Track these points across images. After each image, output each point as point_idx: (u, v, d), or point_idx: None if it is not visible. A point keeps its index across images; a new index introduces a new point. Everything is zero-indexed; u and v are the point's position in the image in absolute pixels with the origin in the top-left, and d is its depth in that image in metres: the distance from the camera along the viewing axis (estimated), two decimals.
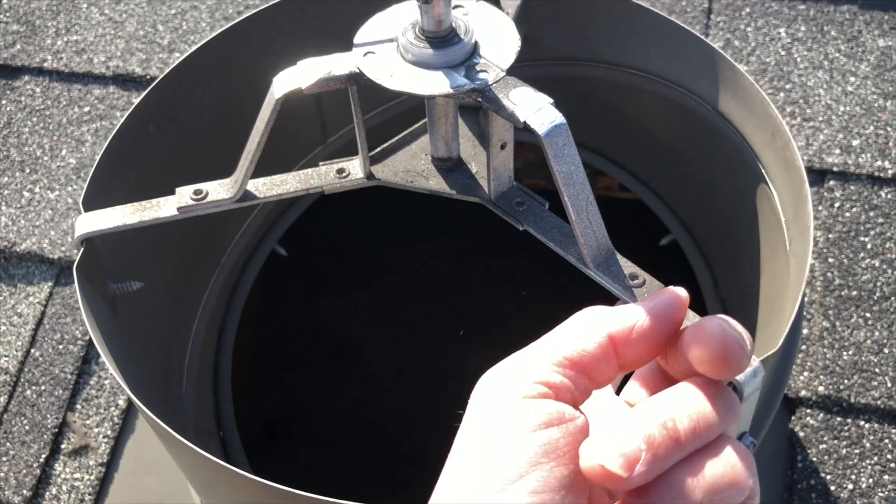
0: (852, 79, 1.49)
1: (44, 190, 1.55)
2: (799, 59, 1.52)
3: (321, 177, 0.93)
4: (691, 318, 0.75)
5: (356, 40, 0.84)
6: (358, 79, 0.82)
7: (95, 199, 0.94)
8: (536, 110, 0.77)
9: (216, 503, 1.02)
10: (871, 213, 1.37)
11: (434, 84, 0.79)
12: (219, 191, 0.91)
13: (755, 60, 1.53)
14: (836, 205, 1.39)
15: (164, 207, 0.91)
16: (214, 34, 1.07)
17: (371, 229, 1.80)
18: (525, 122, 0.77)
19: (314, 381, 1.78)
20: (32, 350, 1.42)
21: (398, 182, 0.93)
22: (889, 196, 1.38)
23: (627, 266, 0.81)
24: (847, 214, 1.38)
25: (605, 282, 0.81)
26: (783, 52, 1.53)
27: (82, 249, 0.90)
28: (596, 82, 1.25)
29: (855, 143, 1.43)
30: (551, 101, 0.78)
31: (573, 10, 1.17)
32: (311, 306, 1.78)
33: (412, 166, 0.94)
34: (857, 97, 1.47)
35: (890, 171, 1.39)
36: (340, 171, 0.94)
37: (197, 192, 0.91)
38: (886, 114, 1.45)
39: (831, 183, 1.40)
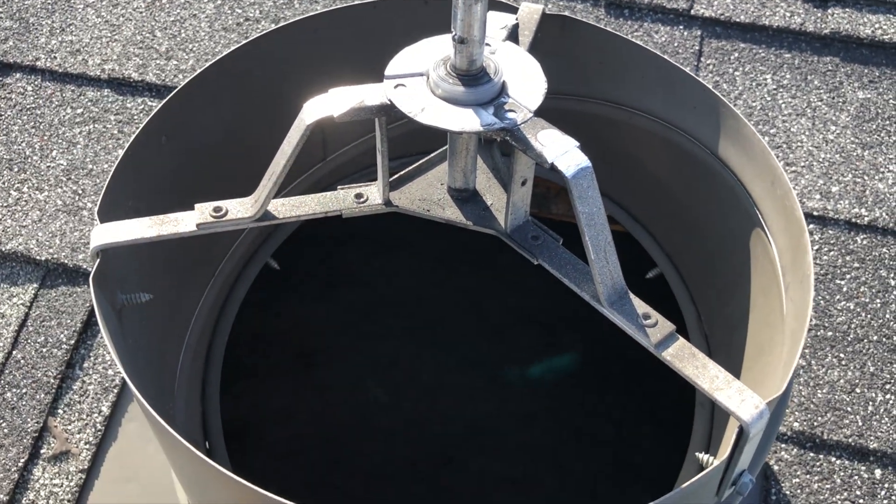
0: (833, 127, 1.55)
1: (32, 190, 1.53)
2: (783, 106, 1.58)
3: (340, 201, 0.95)
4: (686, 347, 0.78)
5: (387, 72, 0.86)
6: (388, 110, 0.85)
7: (109, 210, 0.95)
8: (564, 153, 0.80)
9: None
10: (848, 258, 1.43)
11: (464, 121, 0.82)
12: (239, 209, 0.92)
13: (742, 104, 1.58)
14: (815, 248, 1.45)
15: (183, 223, 0.91)
16: (228, 51, 1.09)
17: (327, 235, 1.80)
18: (552, 164, 0.80)
19: (271, 391, 1.77)
20: (14, 352, 1.40)
21: (415, 210, 0.96)
22: (864, 242, 1.44)
23: (641, 306, 0.85)
24: (825, 258, 1.44)
25: (619, 320, 0.84)
26: (769, 98, 1.59)
27: (98, 260, 0.90)
28: (595, 118, 1.29)
29: (834, 189, 1.49)
30: (577, 144, 0.81)
31: (578, 47, 1.20)
32: (269, 314, 1.78)
33: (428, 195, 0.97)
34: (837, 145, 1.54)
35: (866, 218, 1.46)
36: (359, 195, 0.96)
37: (217, 210, 0.92)
38: (864, 163, 1.52)
39: (811, 227, 1.46)
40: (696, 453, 0.83)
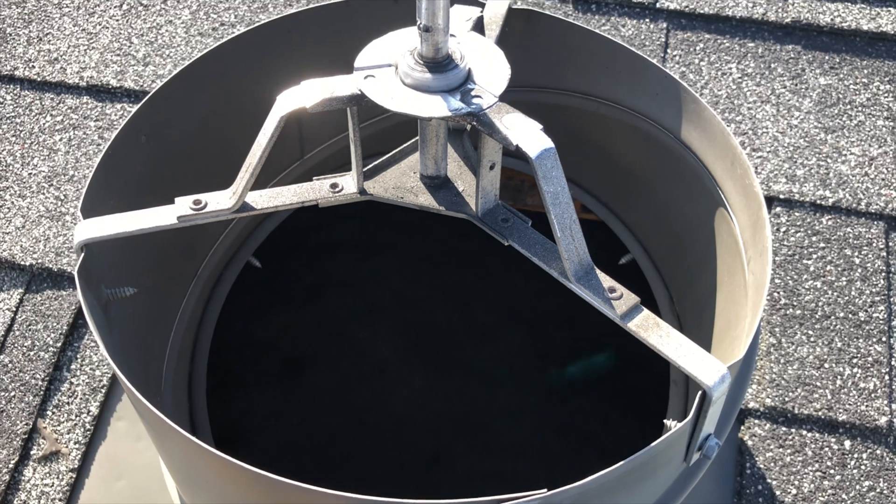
0: (797, 113, 1.60)
1: (14, 197, 1.55)
2: (748, 93, 1.63)
3: (316, 191, 0.98)
4: (661, 325, 0.82)
5: (357, 64, 0.90)
6: (359, 100, 0.88)
7: (92, 207, 0.97)
8: (528, 135, 0.84)
9: (200, 502, 1.05)
10: (814, 238, 1.48)
11: (432, 107, 0.85)
12: (217, 201, 0.95)
13: (708, 93, 1.63)
14: (782, 230, 1.49)
15: (164, 216, 0.94)
16: (204, 52, 1.12)
17: (314, 242, 1.83)
18: (517, 146, 0.83)
19: (258, 395, 1.79)
20: (2, 357, 1.42)
21: (389, 198, 0.99)
22: (829, 223, 1.49)
23: (606, 280, 0.88)
24: (792, 239, 1.48)
25: (586, 294, 0.88)
26: (734, 86, 1.63)
27: (83, 255, 0.93)
28: (565, 110, 1.33)
29: (799, 172, 1.54)
30: (541, 126, 0.85)
31: (547, 41, 1.24)
32: (256, 321, 1.80)
33: (402, 183, 1.00)
34: (801, 130, 1.58)
35: (830, 200, 1.50)
36: (334, 185, 0.99)
37: (196, 203, 0.95)
38: (827, 146, 1.56)
39: (777, 209, 1.51)
40: (665, 420, 0.86)
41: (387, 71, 0.88)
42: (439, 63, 0.86)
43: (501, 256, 1.41)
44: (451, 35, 0.90)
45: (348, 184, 0.99)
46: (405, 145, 1.03)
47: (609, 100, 1.26)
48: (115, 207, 1.03)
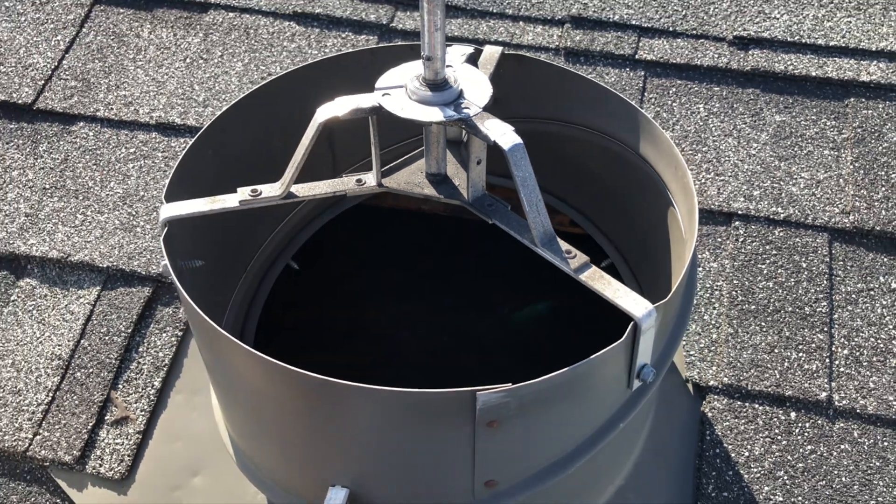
0: (755, 144, 1.87)
1: (94, 213, 1.86)
2: (713, 128, 1.90)
3: (345, 184, 1.27)
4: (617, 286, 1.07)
5: (377, 85, 1.19)
6: (378, 111, 1.17)
7: (171, 197, 1.26)
8: (502, 134, 1.12)
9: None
10: (767, 247, 1.73)
11: (432, 115, 1.14)
12: (269, 190, 1.24)
13: (679, 128, 1.91)
14: (741, 240, 1.74)
15: (229, 201, 1.23)
16: (250, 90, 1.41)
17: (350, 288, 2.12)
18: (494, 141, 1.12)
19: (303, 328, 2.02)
20: (82, 341, 1.70)
21: (401, 189, 1.27)
22: (781, 234, 1.74)
23: (564, 245, 1.15)
24: (748, 247, 1.74)
25: (549, 256, 1.15)
26: (701, 123, 1.91)
27: (166, 229, 1.21)
28: (550, 136, 1.61)
29: (756, 192, 1.80)
30: (513, 128, 1.13)
31: (533, 79, 1.53)
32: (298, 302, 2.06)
33: (412, 179, 1.28)
34: (758, 158, 1.85)
35: (782, 215, 1.76)
36: (359, 180, 1.27)
37: (253, 191, 1.24)
38: (780, 172, 1.83)
39: (736, 223, 1.77)
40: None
41: (399, 90, 1.18)
42: (438, 84, 1.16)
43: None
44: (448, 66, 1.20)
45: (370, 179, 1.28)
46: (413, 153, 1.32)
47: (583, 125, 1.54)
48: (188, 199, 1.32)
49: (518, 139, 1.12)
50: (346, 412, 1.05)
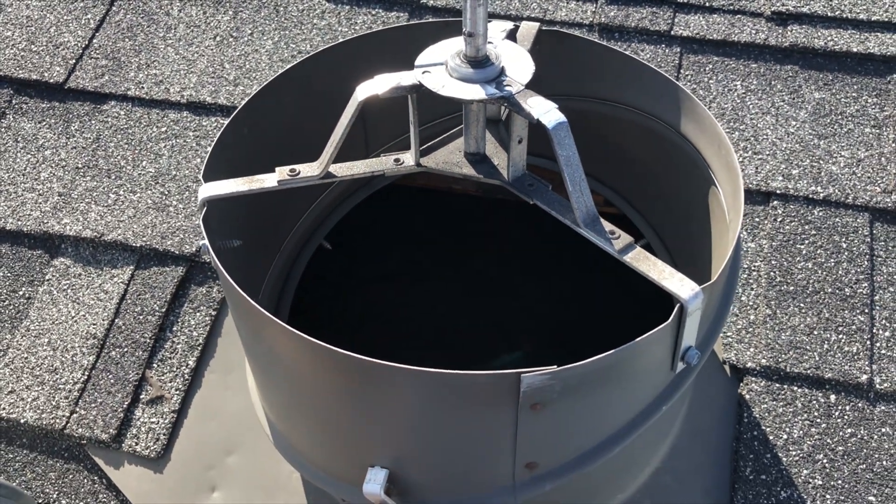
0: (794, 122, 1.84)
1: (127, 193, 1.86)
2: (751, 106, 1.87)
3: (382, 164, 1.25)
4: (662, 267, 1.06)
5: (417, 63, 1.17)
6: (418, 89, 1.15)
7: (209, 177, 1.26)
8: (546, 111, 1.10)
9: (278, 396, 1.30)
10: (806, 227, 1.70)
11: (474, 92, 1.12)
12: (307, 170, 1.23)
13: (715, 106, 1.88)
14: (779, 220, 1.72)
15: (268, 181, 1.22)
16: (285, 69, 1.40)
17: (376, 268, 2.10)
18: (538, 120, 1.10)
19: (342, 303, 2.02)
20: (116, 320, 1.71)
21: (440, 169, 1.25)
22: (820, 213, 1.71)
23: (608, 226, 1.13)
24: (787, 227, 1.71)
25: (592, 237, 1.13)
26: (738, 101, 1.88)
27: (205, 208, 1.21)
28: (587, 114, 1.59)
29: (794, 172, 1.77)
30: (557, 106, 1.11)
31: (571, 56, 1.51)
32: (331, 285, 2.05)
33: (450, 159, 1.27)
34: (796, 137, 1.81)
35: (821, 195, 1.73)
36: (397, 160, 1.26)
37: (292, 171, 1.23)
38: (819, 150, 1.79)
39: (774, 203, 1.74)
40: None
41: (439, 68, 1.16)
42: (479, 61, 1.14)
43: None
44: (489, 42, 1.17)
45: (408, 159, 1.26)
46: (451, 131, 1.30)
47: (622, 103, 1.52)
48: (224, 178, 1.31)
49: (562, 117, 1.10)
50: (390, 393, 1.04)
